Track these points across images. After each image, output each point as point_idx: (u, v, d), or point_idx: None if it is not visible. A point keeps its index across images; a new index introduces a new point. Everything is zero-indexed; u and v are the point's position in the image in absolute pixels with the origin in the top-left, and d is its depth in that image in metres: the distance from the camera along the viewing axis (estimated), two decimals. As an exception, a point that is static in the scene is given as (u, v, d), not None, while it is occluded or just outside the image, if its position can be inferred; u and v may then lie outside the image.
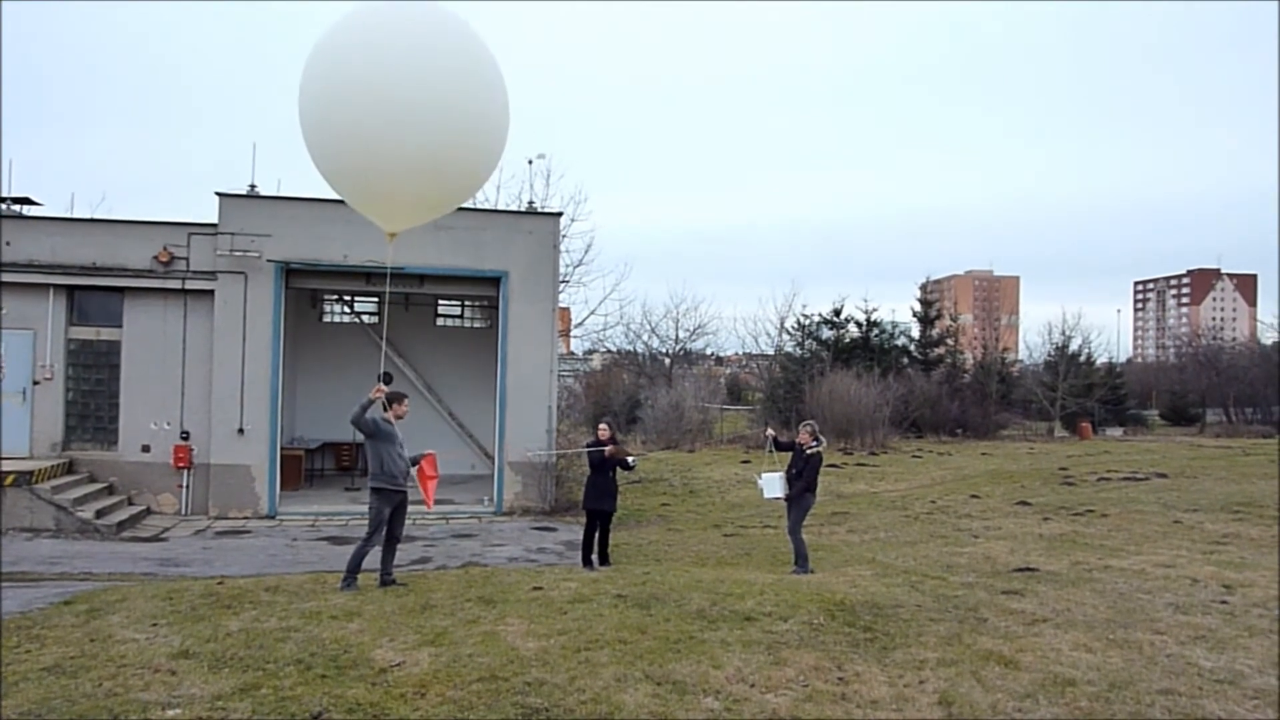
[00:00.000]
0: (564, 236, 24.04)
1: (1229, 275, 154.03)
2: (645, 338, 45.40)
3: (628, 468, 11.60)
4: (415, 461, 8.95)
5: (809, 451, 10.70)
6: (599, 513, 11.12)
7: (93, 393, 16.91)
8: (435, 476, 9.23)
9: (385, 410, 8.59)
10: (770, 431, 11.76)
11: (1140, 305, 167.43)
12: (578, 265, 30.99)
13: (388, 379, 21.21)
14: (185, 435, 16.67)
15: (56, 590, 8.86)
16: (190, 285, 16.74)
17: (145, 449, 16.67)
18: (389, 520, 8.62)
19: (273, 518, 16.44)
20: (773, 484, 10.89)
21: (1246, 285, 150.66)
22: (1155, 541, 11.91)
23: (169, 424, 16.75)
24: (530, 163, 31.59)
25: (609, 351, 47.34)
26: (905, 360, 41.71)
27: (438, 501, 17.03)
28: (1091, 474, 20.83)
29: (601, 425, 11.47)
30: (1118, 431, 42.19)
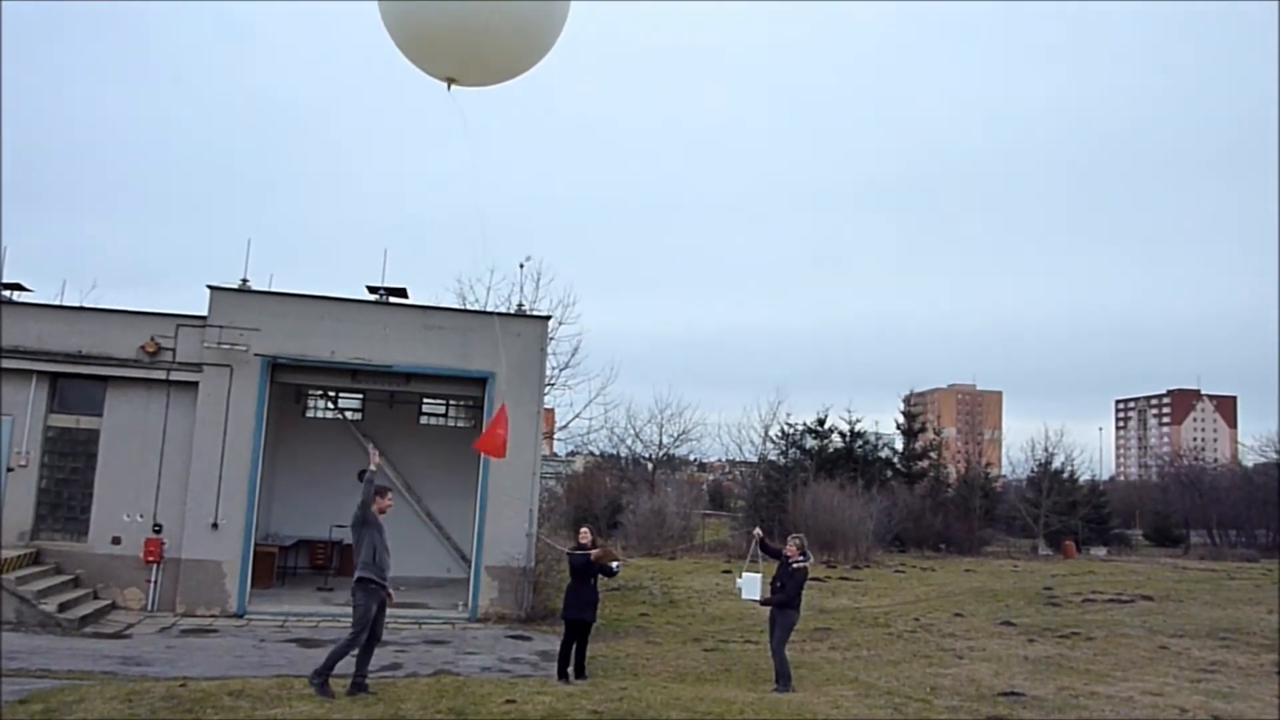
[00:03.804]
0: (551, 339, 24.21)
1: (1209, 396, 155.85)
2: (629, 442, 45.25)
3: (611, 574, 11.41)
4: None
5: (795, 565, 10.57)
6: (578, 623, 10.87)
7: (67, 481, 16.63)
8: (504, 431, 9.05)
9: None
10: (758, 532, 11.64)
11: (1122, 424, 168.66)
12: (564, 368, 31.11)
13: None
14: (158, 528, 16.34)
15: (12, 688, 8.52)
16: (175, 376, 16.68)
17: (115, 541, 16.30)
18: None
19: (241, 617, 15.99)
20: (752, 585, 10.75)
21: (1226, 407, 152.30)
22: (1142, 668, 11.71)
23: (142, 516, 16.43)
24: (521, 265, 32.06)
25: (592, 454, 47.09)
26: (889, 473, 41.64)
27: (410, 605, 16.66)
28: (1076, 594, 20.61)
29: (583, 530, 11.33)
30: (1102, 551, 41.91)
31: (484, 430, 9.12)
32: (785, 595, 10.48)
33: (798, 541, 10.87)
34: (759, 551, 11.25)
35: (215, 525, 16.26)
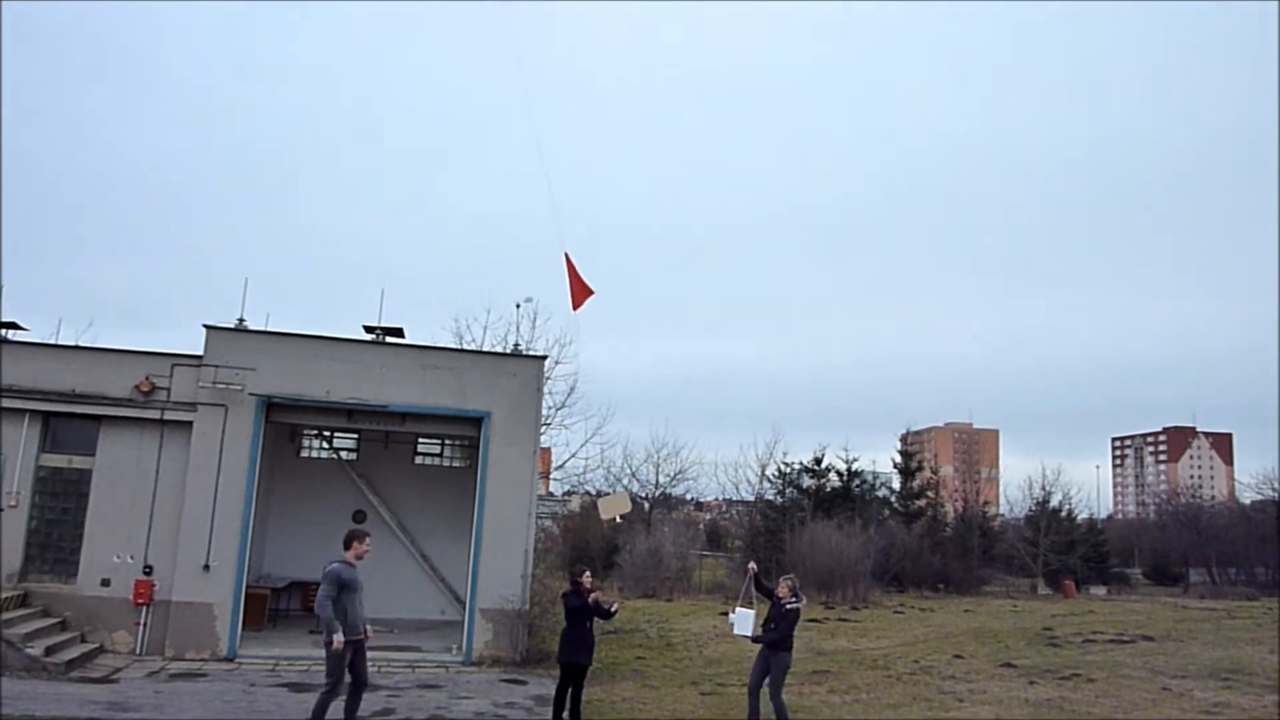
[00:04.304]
0: (548, 379, 24.18)
1: (1204, 434, 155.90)
2: (625, 481, 45.03)
3: (607, 616, 11.29)
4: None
5: (787, 607, 10.52)
6: (574, 667, 10.73)
7: (57, 522, 16.47)
8: (583, 290, 9.03)
9: (345, 550, 8.38)
10: (753, 566, 11.56)
11: (1119, 461, 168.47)
12: (560, 407, 31.02)
13: (361, 517, 20.90)
14: (148, 570, 16.16)
15: (-6, 737, 8.35)
16: (169, 416, 16.59)
17: (105, 583, 16.10)
18: (351, 663, 8.30)
19: (231, 660, 15.75)
20: (745, 621, 10.71)
21: (1222, 444, 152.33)
22: (1145, 710, 11.56)
23: (132, 558, 16.25)
24: (518, 306, 32.06)
25: (588, 494, 46.82)
26: (886, 512, 41.46)
27: (403, 648, 16.45)
28: (1077, 635, 20.41)
29: (585, 573, 11.23)
30: (1101, 590, 41.62)
31: (573, 287, 9.36)
32: (777, 634, 10.40)
33: (790, 582, 10.83)
34: (753, 588, 11.19)
35: (207, 567, 16.09)
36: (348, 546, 8.34)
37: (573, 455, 35.07)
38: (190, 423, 16.55)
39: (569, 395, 31.27)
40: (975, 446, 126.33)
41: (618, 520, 11.07)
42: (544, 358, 19.25)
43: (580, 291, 9.51)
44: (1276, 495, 47.57)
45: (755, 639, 10.59)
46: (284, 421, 18.34)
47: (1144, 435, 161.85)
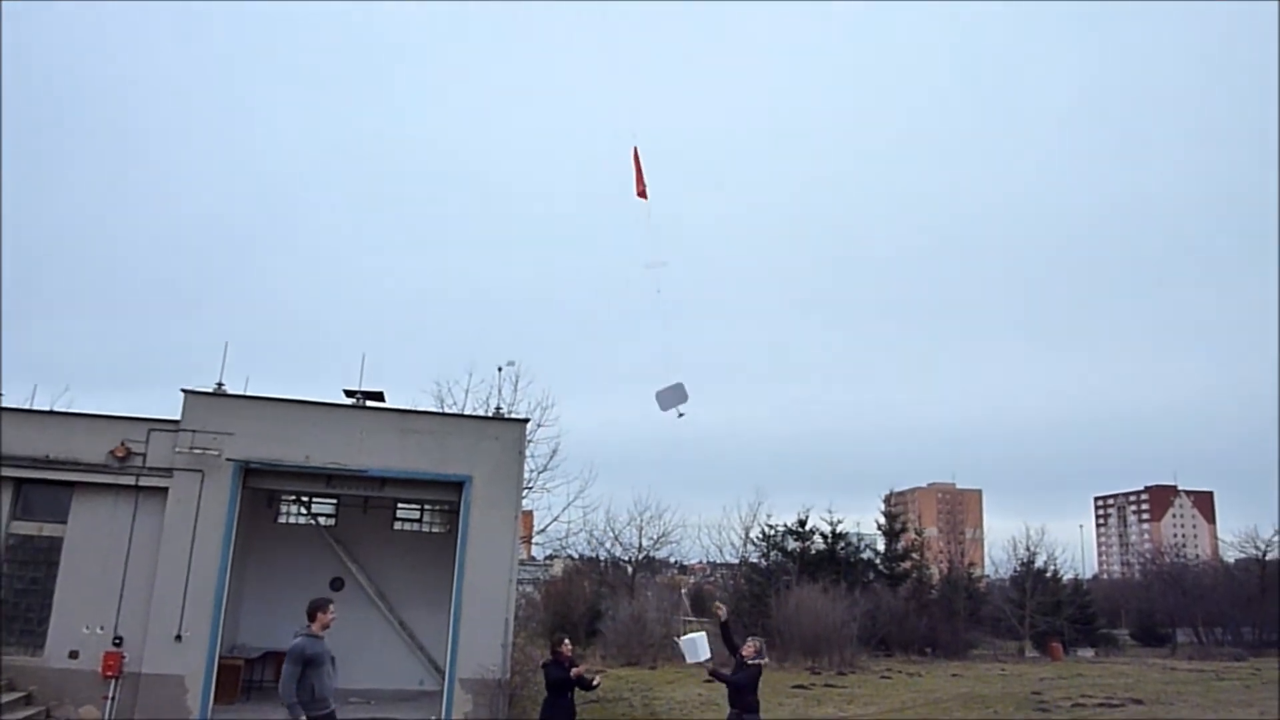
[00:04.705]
0: (530, 442, 24.04)
1: (1186, 492, 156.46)
2: (608, 545, 44.55)
3: (589, 687, 11.08)
4: None
5: (750, 663, 10.56)
6: (554, 738, 10.47)
7: (26, 592, 16.08)
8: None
9: (310, 623, 8.11)
10: (722, 608, 11.50)
11: (1102, 521, 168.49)
12: (542, 471, 30.77)
13: (338, 584, 20.53)
14: (118, 641, 15.75)
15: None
16: (144, 482, 16.35)
17: (73, 655, 15.67)
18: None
19: (202, 735, 15.29)
20: (695, 646, 10.72)
21: (1204, 502, 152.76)
22: (1136, 778, 11.37)
23: (102, 628, 15.85)
24: (500, 369, 32.00)
25: (571, 558, 46.26)
26: (872, 574, 41.15)
27: (382, 720, 16.04)
28: (1066, 699, 20.17)
29: (564, 641, 11.03)
30: (1089, 652, 41.27)
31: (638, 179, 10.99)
32: (741, 676, 10.45)
33: (756, 643, 10.86)
34: (720, 633, 11.22)
35: (179, 637, 15.70)
36: (312, 618, 8.03)
37: (554, 519, 34.70)
38: (166, 489, 16.31)
39: (551, 458, 31.05)
40: (959, 507, 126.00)
41: (680, 414, 10.99)
42: (526, 421, 19.18)
43: (640, 185, 11.32)
44: (1260, 554, 47.61)
45: (713, 673, 10.64)
46: (261, 487, 18.09)
47: (1126, 494, 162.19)
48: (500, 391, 28.04)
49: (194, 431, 16.44)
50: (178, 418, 16.59)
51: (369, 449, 17.08)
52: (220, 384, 17.25)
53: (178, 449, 16.37)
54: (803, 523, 41.38)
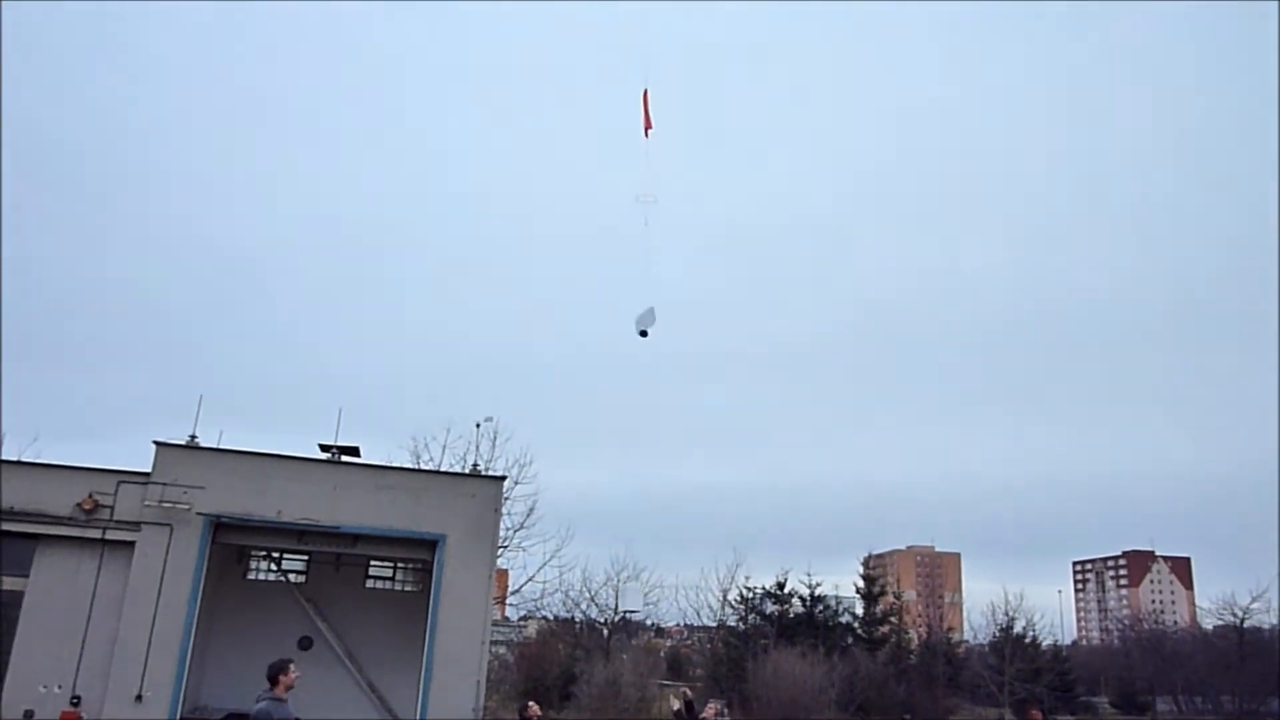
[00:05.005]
0: (506, 499, 23.84)
1: (1163, 558, 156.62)
2: (584, 606, 43.89)
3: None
4: None
5: None
6: (523, 806, 10.20)
7: (-18, 649, 15.62)
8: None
9: (273, 686, 7.82)
10: (686, 691, 11.40)
11: (1080, 586, 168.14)
12: (518, 529, 30.47)
13: (307, 643, 20.08)
14: (76, 700, 15.28)
15: None
16: (111, 535, 16.04)
17: (28, 715, 15.18)
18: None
19: (159, 801, 14.78)
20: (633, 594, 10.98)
21: (1181, 568, 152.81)
22: None
23: (60, 687, 15.39)
24: (478, 426, 31.83)
25: (545, 619, 45.50)
26: (850, 638, 40.72)
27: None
28: (1046, 769, 19.85)
29: (531, 705, 10.82)
30: (1069, 720, 40.83)
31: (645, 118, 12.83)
32: None
33: (716, 705, 10.91)
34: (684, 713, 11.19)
35: (140, 697, 15.28)
36: (274, 681, 7.71)
37: (530, 579, 34.25)
38: (133, 542, 16.01)
39: (528, 516, 30.77)
40: (938, 570, 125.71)
41: (646, 334, 11.63)
42: (503, 478, 19.07)
43: (647, 123, 12.79)
44: (1238, 620, 47.53)
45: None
46: (231, 543, 17.80)
47: (1104, 559, 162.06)
48: (478, 448, 27.87)
49: (164, 484, 16.20)
50: (148, 470, 16.36)
51: (343, 505, 16.87)
52: (194, 436, 17.07)
53: (147, 502, 16.10)
54: (781, 585, 41.02)
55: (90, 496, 16.15)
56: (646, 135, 12.77)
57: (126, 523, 16.11)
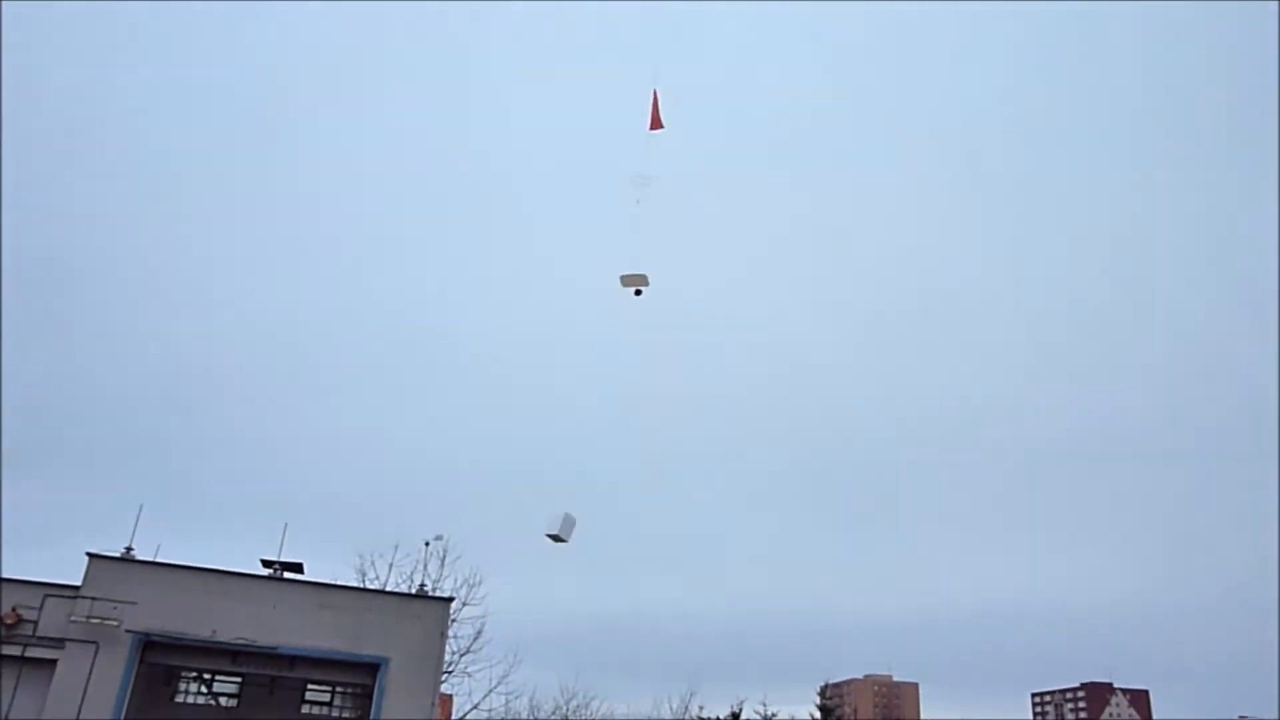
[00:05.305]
0: (453, 621, 23.12)
1: (1122, 690, 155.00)
2: (531, 737, 42.07)
3: None
4: None
5: None
6: None
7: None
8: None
9: None
10: None
11: (1039, 717, 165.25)
12: (464, 653, 29.39)
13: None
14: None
15: None
16: (31, 653, 15.21)
17: None
18: None
19: None
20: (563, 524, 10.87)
21: (1140, 700, 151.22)
22: None
23: (-41, 822, 14.29)
24: (427, 544, 31.04)
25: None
26: (808, 773, 39.38)
27: None
28: None
29: None
30: None
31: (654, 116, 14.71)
32: None
33: None
34: None
35: (46, 834, 14.19)
36: None
37: (475, 706, 32.83)
38: (55, 660, 15.17)
39: (475, 639, 29.73)
40: (895, 700, 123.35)
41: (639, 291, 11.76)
42: (450, 600, 18.56)
43: (655, 120, 14.31)
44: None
45: None
46: (161, 662, 16.96)
47: (1063, 691, 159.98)
48: (425, 567, 27.09)
49: (93, 599, 15.50)
50: (78, 583, 15.68)
51: (282, 625, 16.23)
52: (129, 548, 16.47)
53: (74, 617, 15.35)
54: (736, 715, 39.79)
55: (14, 610, 15.38)
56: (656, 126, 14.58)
57: (49, 639, 15.31)
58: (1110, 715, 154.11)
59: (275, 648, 16.04)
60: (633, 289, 13.60)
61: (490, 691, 33.68)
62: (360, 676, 17.23)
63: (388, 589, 22.92)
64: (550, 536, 11.74)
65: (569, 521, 11.70)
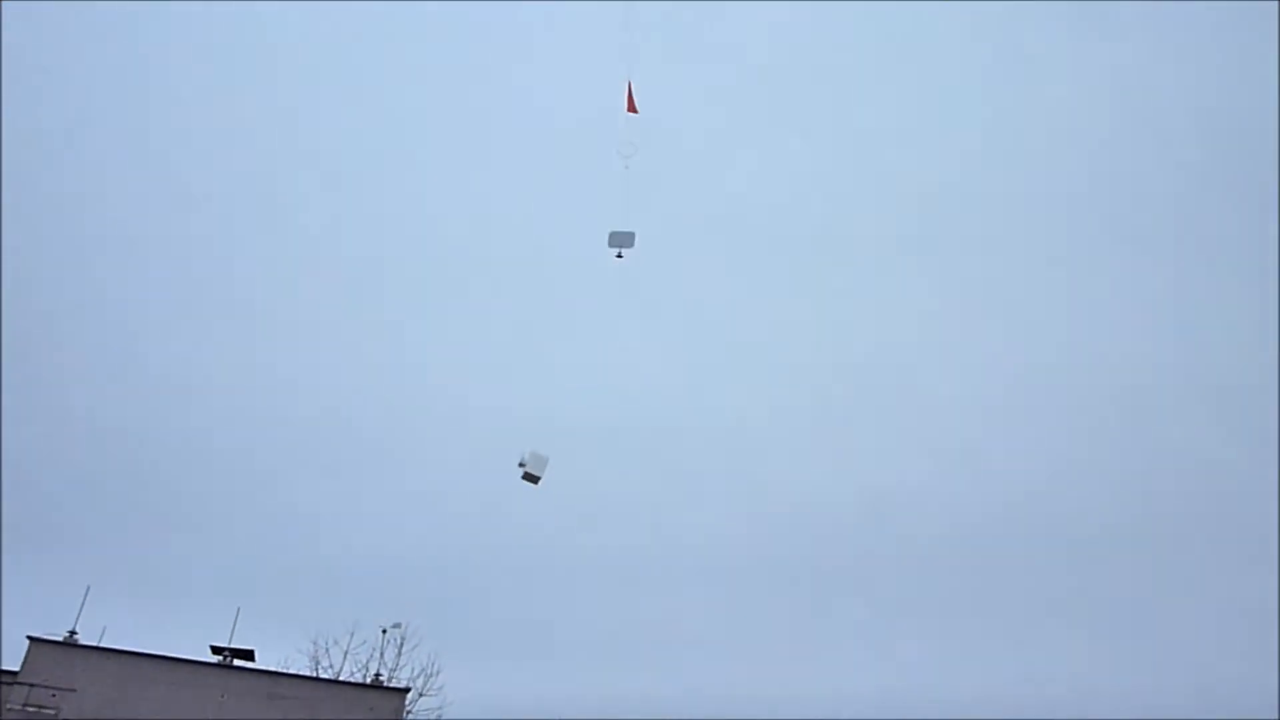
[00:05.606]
0: (409, 713, 22.37)
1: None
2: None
3: None
4: None
5: None
6: None
7: None
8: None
9: None
10: None
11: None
12: (420, 747, 28.33)
13: None
14: None
15: None
16: (-42, 745, 14.43)
17: None
18: None
19: None
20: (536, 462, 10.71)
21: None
22: None
23: None
24: (384, 631, 30.19)
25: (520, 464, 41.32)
26: None
27: None
28: None
29: None
30: None
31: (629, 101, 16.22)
32: None
33: None
34: None
35: None
36: None
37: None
38: (-19, 754, 14.40)
39: (433, 732, 28.69)
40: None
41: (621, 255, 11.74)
42: (406, 690, 17.98)
43: (631, 105, 15.57)
44: None
45: None
46: (98, 754, 16.16)
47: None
48: (382, 655, 26.28)
49: (31, 685, 14.81)
50: (15, 668, 15.02)
51: (229, 715, 15.57)
52: (73, 632, 15.86)
53: (9, 705, 14.63)
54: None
55: (-56, 697, 14.64)
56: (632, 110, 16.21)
57: (-20, 729, 14.56)
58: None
59: (220, 740, 15.38)
60: (530, 477, 13.61)
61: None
62: (308, 773, 16.53)
63: (341, 678, 22.16)
64: (526, 477, 11.69)
65: (539, 460, 11.70)
